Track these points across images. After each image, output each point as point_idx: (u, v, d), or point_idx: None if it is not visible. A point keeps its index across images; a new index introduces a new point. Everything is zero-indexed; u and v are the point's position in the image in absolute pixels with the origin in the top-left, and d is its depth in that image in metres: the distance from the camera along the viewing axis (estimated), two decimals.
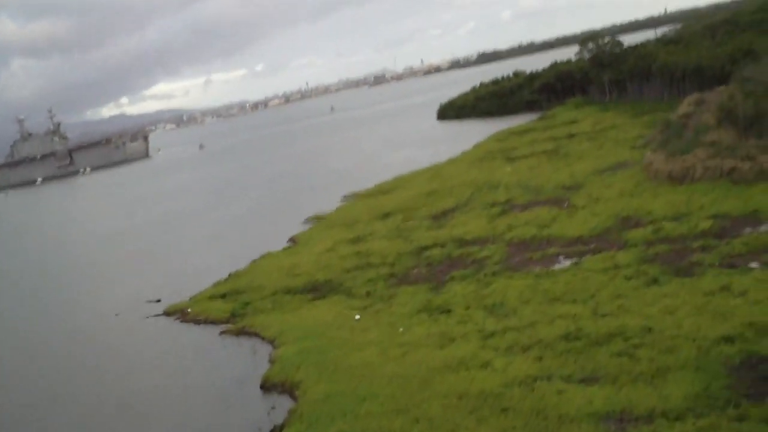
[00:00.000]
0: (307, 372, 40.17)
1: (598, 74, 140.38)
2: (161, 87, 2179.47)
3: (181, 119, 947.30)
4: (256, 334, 50.69)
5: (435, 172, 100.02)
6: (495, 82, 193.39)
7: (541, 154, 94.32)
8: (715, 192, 56.42)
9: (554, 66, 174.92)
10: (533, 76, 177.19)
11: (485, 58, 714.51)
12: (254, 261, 72.48)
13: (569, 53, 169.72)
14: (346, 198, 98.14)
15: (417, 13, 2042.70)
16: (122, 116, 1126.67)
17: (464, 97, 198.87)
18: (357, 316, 47.87)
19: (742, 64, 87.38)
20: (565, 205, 65.14)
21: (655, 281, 41.99)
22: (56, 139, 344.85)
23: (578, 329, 37.20)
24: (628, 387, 30.53)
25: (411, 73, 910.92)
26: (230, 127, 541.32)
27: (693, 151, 64.28)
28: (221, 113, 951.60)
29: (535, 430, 28.78)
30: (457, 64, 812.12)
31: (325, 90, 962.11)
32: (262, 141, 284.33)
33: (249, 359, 46.66)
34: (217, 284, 66.60)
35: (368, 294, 52.83)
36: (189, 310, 60.48)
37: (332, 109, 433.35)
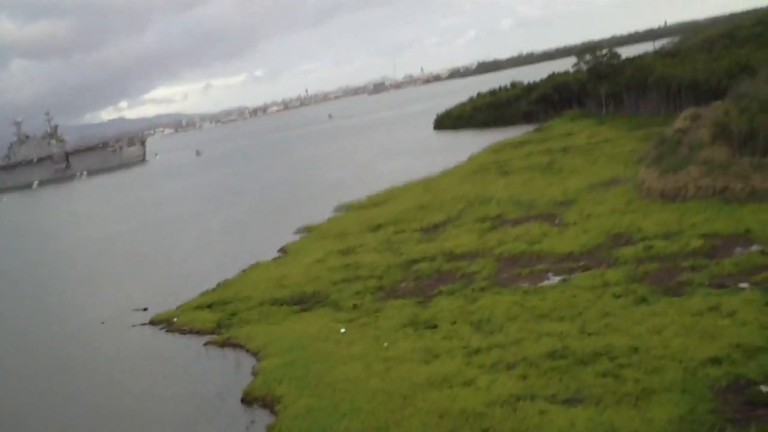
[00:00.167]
0: (290, 386, 39.65)
1: (595, 86, 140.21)
2: (161, 91, 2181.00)
3: (179, 124, 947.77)
4: (240, 346, 50.17)
5: (428, 184, 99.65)
6: (492, 93, 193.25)
7: (535, 168, 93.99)
8: (707, 211, 56.06)
9: (551, 77, 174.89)
10: (530, 87, 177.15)
11: (485, 67, 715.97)
12: (244, 270, 72.06)
13: (569, 64, 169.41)
14: (338, 209, 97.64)
15: (417, 20, 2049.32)
16: (121, 120, 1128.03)
17: (461, 107, 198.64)
18: (342, 330, 47.33)
19: (739, 79, 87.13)
20: (557, 221, 64.73)
21: (643, 300, 41.57)
22: (53, 142, 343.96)
23: (564, 347, 36.75)
24: (611, 409, 30.08)
25: (410, 81, 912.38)
26: (228, 132, 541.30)
27: (686, 169, 63.91)
28: (220, 119, 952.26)
29: None
30: (457, 73, 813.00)
31: (324, 97, 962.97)
32: (258, 148, 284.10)
33: (232, 371, 46.14)
34: (205, 293, 66.16)
35: (355, 307, 52.34)
36: (175, 319, 59.96)
37: (330, 116, 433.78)
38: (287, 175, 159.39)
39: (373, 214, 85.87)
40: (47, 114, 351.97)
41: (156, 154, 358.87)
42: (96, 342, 60.11)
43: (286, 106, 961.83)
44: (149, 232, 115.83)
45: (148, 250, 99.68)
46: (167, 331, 58.46)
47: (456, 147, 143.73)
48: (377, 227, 78.36)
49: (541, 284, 48.79)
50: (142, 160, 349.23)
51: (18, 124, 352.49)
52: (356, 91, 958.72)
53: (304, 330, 49.16)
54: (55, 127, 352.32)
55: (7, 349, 64.50)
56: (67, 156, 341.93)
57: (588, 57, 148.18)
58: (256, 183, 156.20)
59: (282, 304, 57.09)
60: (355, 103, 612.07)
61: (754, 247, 47.04)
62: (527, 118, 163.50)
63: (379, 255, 65.55)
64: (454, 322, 44.24)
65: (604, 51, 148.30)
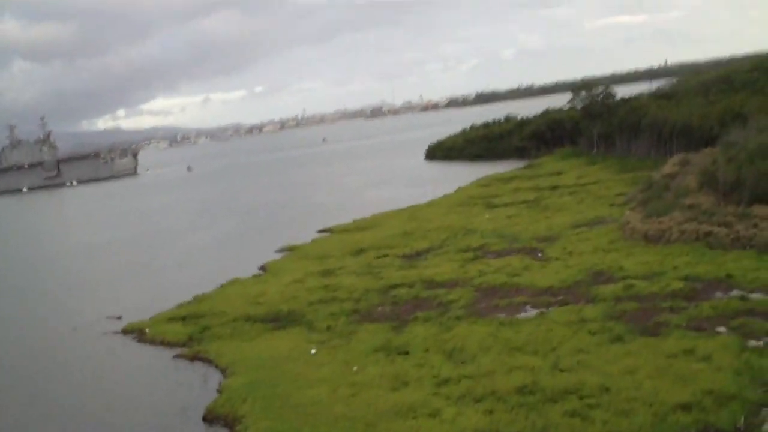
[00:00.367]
0: (253, 406, 38.83)
1: (588, 125, 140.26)
2: (159, 102, 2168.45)
3: (174, 138, 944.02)
4: (210, 361, 49.37)
5: (414, 213, 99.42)
6: (485, 126, 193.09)
7: (521, 203, 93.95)
8: (690, 255, 55.87)
9: (546, 113, 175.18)
10: (524, 123, 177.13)
11: (483, 98, 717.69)
12: (222, 285, 71.22)
13: (566, 99, 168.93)
14: (322, 231, 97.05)
15: (419, 44, 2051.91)
16: (117, 130, 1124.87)
17: (453, 138, 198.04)
18: (313, 351, 46.57)
19: (731, 126, 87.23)
20: (539, 255, 64.31)
21: (619, 338, 41.02)
22: (45, 148, 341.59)
23: (534, 383, 36.09)
24: None
25: (408, 108, 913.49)
26: (222, 150, 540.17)
27: (671, 213, 63.79)
28: (215, 134, 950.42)
29: None
30: (455, 102, 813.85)
31: (321, 119, 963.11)
32: (250, 167, 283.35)
33: (198, 387, 45.25)
34: (180, 306, 65.33)
35: (329, 328, 51.57)
36: (147, 330, 59.06)
37: (324, 140, 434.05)
38: (275, 196, 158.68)
39: (357, 238, 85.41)
40: (42, 119, 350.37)
41: (147, 169, 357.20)
42: (63, 348, 59.10)
43: (283, 125, 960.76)
44: (133, 243, 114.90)
45: (129, 260, 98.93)
46: (138, 341, 57.64)
47: (445, 178, 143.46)
48: (360, 251, 77.86)
49: (517, 316, 48.23)
50: (134, 172, 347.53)
51: (11, 129, 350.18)
52: (353, 115, 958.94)
53: (275, 349, 48.42)
54: (48, 133, 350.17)
55: None
56: (58, 164, 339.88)
57: (583, 94, 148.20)
58: (244, 202, 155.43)
59: (256, 322, 56.31)
60: (351, 128, 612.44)
61: (734, 292, 46.75)
62: (519, 153, 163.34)
63: (359, 278, 64.91)
64: (427, 350, 43.57)
65: (600, 89, 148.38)
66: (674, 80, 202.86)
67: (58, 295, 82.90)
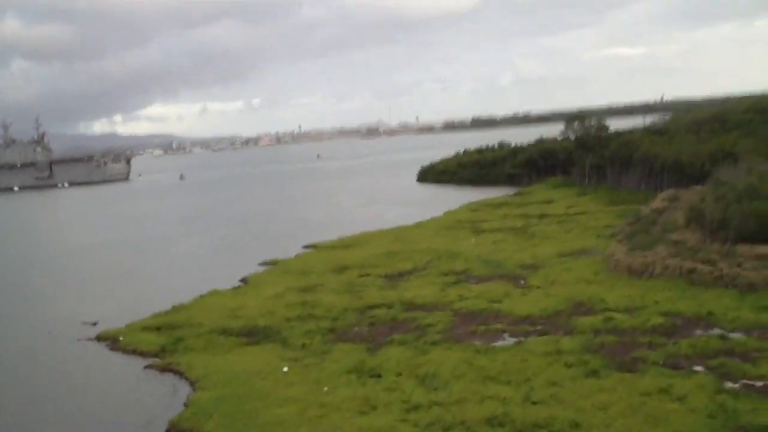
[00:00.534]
0: (218, 422, 38.02)
1: (580, 156, 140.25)
2: (156, 108, 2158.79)
3: (170, 146, 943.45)
4: (180, 373, 48.46)
5: (400, 233, 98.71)
6: (479, 151, 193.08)
7: (508, 230, 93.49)
8: (672, 290, 55.41)
9: (539, 142, 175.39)
10: (517, 150, 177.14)
11: (479, 123, 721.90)
12: (201, 296, 70.32)
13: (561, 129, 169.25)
14: (308, 246, 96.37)
15: (418, 65, 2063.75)
16: (113, 135, 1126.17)
17: (446, 161, 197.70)
18: (285, 368, 45.78)
19: (721, 165, 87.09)
20: (521, 283, 63.78)
21: (594, 373, 40.40)
22: (38, 149, 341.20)
23: (505, 414, 35.40)
24: None
25: (404, 129, 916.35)
26: (217, 161, 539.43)
27: (656, 248, 63.42)
28: (211, 145, 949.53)
29: None
30: (451, 126, 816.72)
31: (317, 136, 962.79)
32: (243, 180, 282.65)
33: (166, 399, 44.31)
34: (157, 315, 64.32)
35: (303, 346, 50.84)
36: (121, 338, 58.17)
37: (318, 157, 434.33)
38: (264, 209, 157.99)
39: (341, 256, 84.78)
40: (37, 120, 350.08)
41: (140, 175, 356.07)
42: (33, 354, 57.91)
43: (279, 140, 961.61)
44: (118, 249, 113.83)
45: (111, 265, 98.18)
46: (111, 349, 56.69)
47: (435, 200, 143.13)
48: (342, 269, 77.17)
49: (494, 344, 47.58)
50: (126, 178, 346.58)
51: (6, 128, 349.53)
52: (349, 134, 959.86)
53: (248, 364, 47.63)
54: (43, 134, 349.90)
55: None
56: (50, 165, 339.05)
57: (577, 125, 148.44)
58: (232, 214, 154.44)
59: (231, 335, 55.49)
60: (346, 146, 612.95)
61: (715, 331, 46.31)
62: (511, 180, 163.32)
63: (338, 296, 64.20)
64: (400, 374, 42.87)
65: (593, 121, 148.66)
66: (668, 116, 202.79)
67: (37, 297, 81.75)
